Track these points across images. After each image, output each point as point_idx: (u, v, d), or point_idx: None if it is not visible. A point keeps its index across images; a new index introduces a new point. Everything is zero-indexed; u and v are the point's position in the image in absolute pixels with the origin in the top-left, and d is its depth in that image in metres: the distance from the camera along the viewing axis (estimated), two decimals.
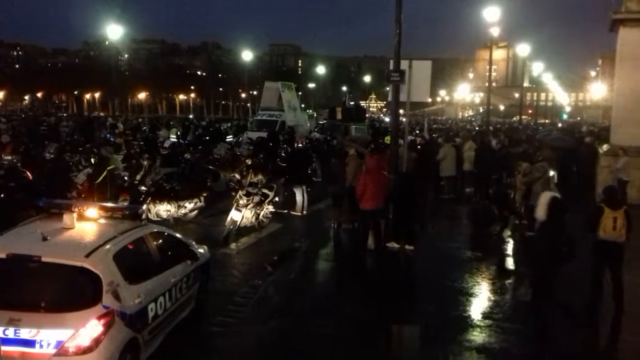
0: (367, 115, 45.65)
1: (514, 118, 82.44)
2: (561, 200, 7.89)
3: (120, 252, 5.73)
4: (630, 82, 16.66)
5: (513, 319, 7.79)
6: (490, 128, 32.62)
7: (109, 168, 11.80)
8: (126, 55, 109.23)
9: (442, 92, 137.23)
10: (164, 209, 12.33)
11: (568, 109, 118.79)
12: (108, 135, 25.20)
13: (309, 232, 12.68)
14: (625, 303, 7.85)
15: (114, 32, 38.09)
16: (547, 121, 66.67)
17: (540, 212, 7.71)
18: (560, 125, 62.12)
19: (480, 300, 8.51)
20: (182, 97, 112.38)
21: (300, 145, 19.82)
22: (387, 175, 11.12)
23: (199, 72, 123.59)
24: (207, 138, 25.81)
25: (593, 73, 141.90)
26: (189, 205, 12.80)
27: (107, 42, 65.50)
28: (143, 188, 12.81)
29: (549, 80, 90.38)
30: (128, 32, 57.15)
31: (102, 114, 75.34)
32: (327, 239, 12.35)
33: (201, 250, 7.71)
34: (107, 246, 5.67)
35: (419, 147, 19.36)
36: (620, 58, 17.10)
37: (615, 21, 16.99)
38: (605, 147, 17.95)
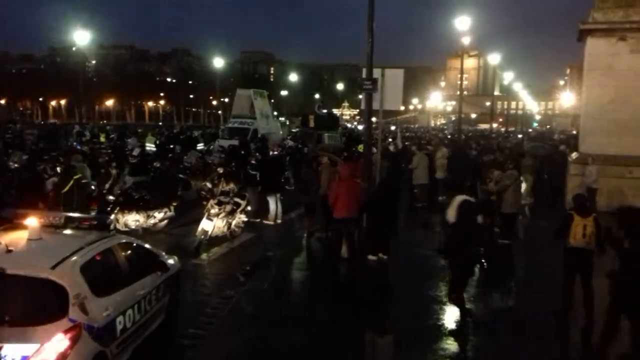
0: (340, 123, 45.78)
1: (479, 126, 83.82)
2: (472, 202, 7.99)
3: (88, 263, 5.56)
4: (597, 91, 17.00)
5: (485, 326, 7.81)
6: (463, 136, 33.04)
7: (75, 177, 11.49)
8: (94, 62, 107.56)
9: (415, 100, 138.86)
10: (133, 219, 12.06)
11: (538, 117, 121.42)
12: (75, 143, 24.65)
13: (282, 241, 12.56)
14: (595, 310, 7.93)
15: (82, 37, 37.46)
16: (512, 129, 68.04)
17: (451, 215, 7.73)
18: (530, 131, 63.48)
19: (454, 308, 8.50)
20: (151, 104, 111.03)
21: (274, 152, 19.68)
22: (361, 183, 11.11)
23: (168, 79, 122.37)
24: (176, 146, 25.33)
25: (562, 82, 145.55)
26: (159, 215, 12.55)
27: (74, 48, 64.39)
28: (111, 198, 12.50)
29: (519, 89, 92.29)
30: (96, 38, 56.36)
31: (61, 120, 73.80)
32: (300, 248, 12.24)
33: (171, 261, 7.54)
34: (74, 258, 5.49)
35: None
36: (588, 68, 17.46)
37: (583, 31, 17.35)
38: (574, 155, 18.29)
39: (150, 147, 24.17)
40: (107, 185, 13.66)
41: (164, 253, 7.66)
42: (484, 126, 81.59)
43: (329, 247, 11.40)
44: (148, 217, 12.31)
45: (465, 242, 7.62)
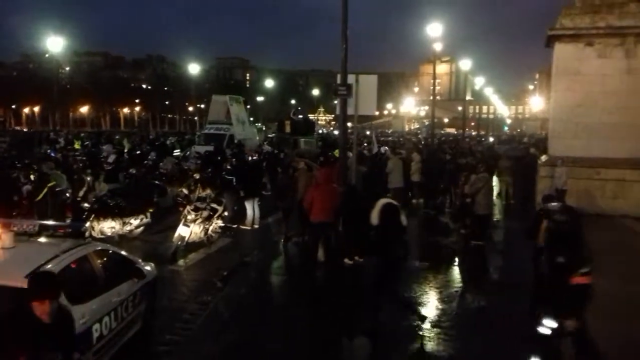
0: (316, 129, 45.96)
1: (444, 130, 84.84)
2: (394, 205, 8.19)
3: (63, 271, 5.51)
4: (565, 95, 17.43)
5: (459, 326, 7.97)
6: (436, 140, 33.46)
7: (49, 185, 11.40)
8: (67, 68, 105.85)
9: (389, 105, 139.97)
10: (108, 226, 11.98)
11: (509, 121, 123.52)
12: (49, 151, 24.32)
13: (259, 246, 12.60)
14: None
15: (55, 44, 36.90)
16: (482, 132, 69.33)
17: (374, 217, 7.92)
18: (502, 135, 64.50)
19: (429, 309, 8.66)
20: (126, 110, 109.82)
21: (251, 158, 19.73)
22: (337, 188, 11.21)
23: (144, 85, 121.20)
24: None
25: (531, 87, 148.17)
26: (135, 222, 12.48)
27: (47, 55, 63.39)
28: (86, 205, 12.41)
29: (490, 94, 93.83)
30: (70, 45, 55.46)
31: (34, 128, 72.50)
32: (277, 253, 12.29)
33: (148, 268, 7.52)
34: (49, 266, 5.45)
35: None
36: (556, 72, 17.87)
37: (551, 37, 17.76)
38: (543, 157, 18.70)
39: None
40: (81, 193, 13.56)
41: (140, 260, 7.64)
42: (449, 130, 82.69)
43: (306, 252, 11.48)
44: (124, 224, 12.24)
45: (389, 244, 7.83)
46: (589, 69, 16.94)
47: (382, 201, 8.17)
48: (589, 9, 17.31)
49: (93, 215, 11.85)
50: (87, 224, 11.43)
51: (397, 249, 7.94)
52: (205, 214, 11.87)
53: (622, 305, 8.61)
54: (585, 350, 6.37)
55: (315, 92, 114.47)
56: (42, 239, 6.16)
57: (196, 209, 11.70)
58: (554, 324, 6.58)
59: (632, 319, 8.12)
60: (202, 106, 78.76)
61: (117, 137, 38.71)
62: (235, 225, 13.76)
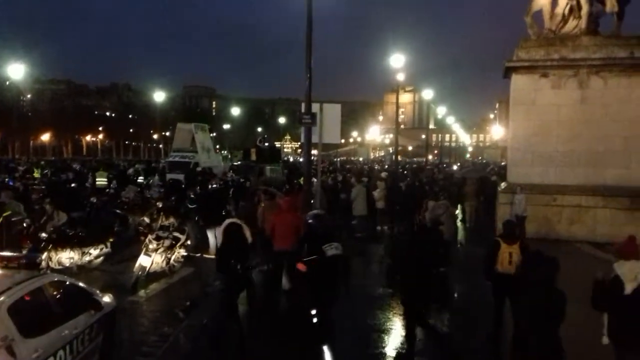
0: (282, 156, 46.10)
1: (415, 159, 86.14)
2: (238, 224, 8.71)
3: (16, 304, 5.37)
4: (523, 124, 17.99)
5: (422, 352, 8.01)
6: (400, 168, 33.93)
7: (4, 214, 11.09)
8: (29, 96, 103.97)
9: (355, 134, 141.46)
10: (67, 257, 11.67)
11: (470, 149, 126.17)
12: (7, 179, 23.65)
13: (223, 276, 12.42)
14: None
15: (16, 71, 36.31)
16: (446, 160, 70.87)
17: (219, 236, 8.65)
18: (464, 162, 65.73)
19: (393, 336, 8.69)
20: (89, 138, 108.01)
21: (214, 186, 19.59)
22: (300, 215, 11.22)
23: (108, 113, 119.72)
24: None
25: (492, 116, 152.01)
26: (94, 252, 12.21)
27: (7, 82, 62.26)
28: (44, 235, 12.08)
29: (452, 122, 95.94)
30: (32, 72, 54.65)
31: None
32: None
33: (106, 299, 7.36)
34: (1, 298, 5.30)
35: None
36: (514, 102, 18.46)
37: (508, 68, 18.40)
38: (503, 184, 19.16)
39: (101, 181, 23.59)
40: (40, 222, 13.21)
41: (98, 291, 7.47)
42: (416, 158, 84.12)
43: (269, 280, 11.39)
44: (83, 254, 11.96)
45: (235, 261, 8.21)
46: (545, 99, 17.55)
47: (227, 221, 8.78)
48: (543, 42, 18.04)
49: (51, 246, 11.54)
50: (44, 255, 11.13)
51: (239, 265, 8.26)
52: (167, 243, 11.71)
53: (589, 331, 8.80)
54: None
55: (282, 120, 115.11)
56: None
57: (158, 238, 11.54)
58: None
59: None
60: (168, 134, 78.08)
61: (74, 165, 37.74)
62: (198, 254, 13.59)
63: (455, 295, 11.24)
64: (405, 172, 32.33)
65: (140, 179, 26.66)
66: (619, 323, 5.84)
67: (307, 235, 10.59)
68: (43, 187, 19.53)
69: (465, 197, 20.39)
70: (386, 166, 49.20)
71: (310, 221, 10.32)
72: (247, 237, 8.64)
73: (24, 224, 12.73)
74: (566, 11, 18.13)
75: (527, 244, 8.40)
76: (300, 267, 7.54)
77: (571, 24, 18.10)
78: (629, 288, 5.74)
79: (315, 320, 7.37)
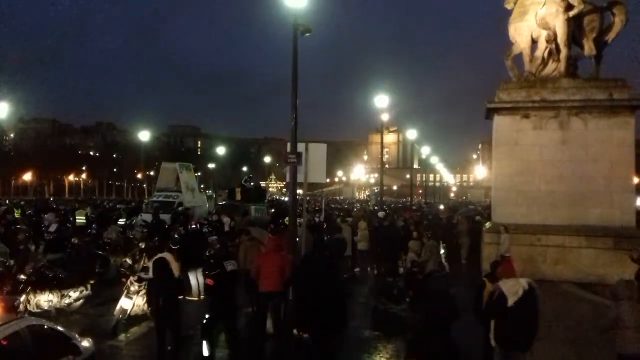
0: (267, 196, 46.00)
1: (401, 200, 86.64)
2: (166, 259, 9.10)
3: None
4: (506, 165, 18.13)
5: None
6: (385, 208, 33.97)
7: None
8: (12, 135, 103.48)
9: (340, 173, 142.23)
10: (46, 300, 11.37)
11: (455, 189, 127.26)
12: None
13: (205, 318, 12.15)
14: None
15: None
16: (429, 201, 71.59)
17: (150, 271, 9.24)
18: (451, 204, 65.98)
19: None
20: (72, 178, 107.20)
21: (193, 227, 19.40)
22: (286, 256, 11.09)
23: (92, 153, 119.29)
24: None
25: (475, 156, 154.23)
26: (74, 295, 11.91)
27: None
28: (22, 277, 11.77)
29: (437, 163, 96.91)
30: (16, 111, 54.46)
31: None
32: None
33: (85, 344, 7.14)
34: None
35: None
36: (496, 143, 18.65)
37: (491, 110, 18.66)
38: (488, 224, 19.21)
39: (80, 220, 23.34)
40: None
41: (77, 335, 7.26)
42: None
43: (254, 323, 11.16)
44: (62, 296, 11.65)
45: (164, 295, 8.77)
46: (527, 140, 17.77)
47: (157, 256, 9.27)
48: (524, 84, 18.40)
49: (29, 288, 11.24)
50: (23, 298, 10.83)
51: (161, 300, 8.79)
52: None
53: None
54: None
55: (267, 159, 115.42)
56: None
57: (140, 280, 11.29)
58: None
59: None
60: (152, 173, 77.77)
61: (56, 206, 37.27)
62: (181, 297, 13.28)
63: None
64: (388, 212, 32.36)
65: (122, 221, 26.14)
66: (503, 329, 7.32)
67: (297, 276, 10.50)
68: (24, 227, 19.19)
69: (460, 235, 20.95)
70: (371, 206, 49.30)
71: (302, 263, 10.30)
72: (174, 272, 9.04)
73: (7, 265, 12.44)
74: (546, 54, 18.58)
75: None
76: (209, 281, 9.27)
77: (551, 66, 18.53)
78: (511, 301, 7.14)
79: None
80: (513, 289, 7.20)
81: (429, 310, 7.09)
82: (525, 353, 7.33)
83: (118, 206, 41.69)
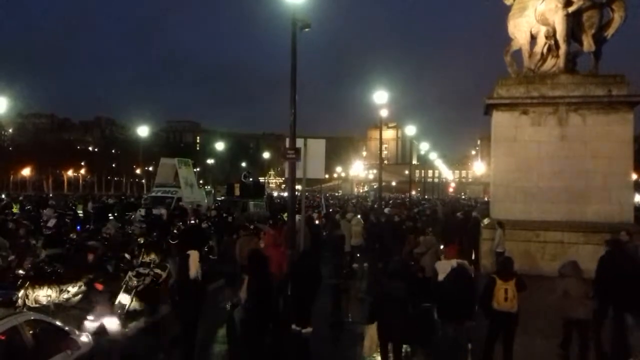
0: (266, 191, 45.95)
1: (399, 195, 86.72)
2: (186, 257, 8.94)
3: None
4: (504, 161, 18.18)
5: None
6: (383, 204, 33.98)
7: None
8: (10, 130, 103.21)
9: (339, 169, 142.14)
10: (44, 294, 11.31)
11: (453, 184, 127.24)
12: None
13: (204, 313, 12.16)
14: None
15: None
16: (427, 197, 71.85)
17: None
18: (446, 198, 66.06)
19: None
20: (70, 173, 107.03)
21: (193, 222, 19.38)
22: (285, 251, 11.12)
23: (90, 148, 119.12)
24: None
25: (473, 152, 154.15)
26: (72, 290, 11.85)
27: None
28: (21, 272, 11.76)
29: (435, 158, 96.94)
30: (14, 106, 54.33)
31: None
32: (222, 320, 11.89)
33: (84, 339, 7.15)
34: None
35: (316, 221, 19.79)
36: (495, 139, 18.69)
37: (489, 106, 18.68)
38: (486, 220, 19.23)
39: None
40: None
41: (76, 330, 7.27)
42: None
43: (252, 318, 11.15)
44: (61, 291, 11.60)
45: (179, 293, 8.97)
46: (525, 136, 17.80)
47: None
48: (523, 80, 18.42)
49: (28, 283, 11.22)
50: (21, 293, 10.82)
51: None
52: (148, 280, 11.46)
53: None
54: None
55: (266, 155, 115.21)
56: None
57: (138, 275, 11.30)
58: None
59: None
60: (151, 169, 77.68)
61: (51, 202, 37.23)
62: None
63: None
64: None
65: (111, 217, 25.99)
66: (439, 302, 8.62)
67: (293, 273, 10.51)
68: (24, 222, 19.17)
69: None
70: (369, 202, 49.31)
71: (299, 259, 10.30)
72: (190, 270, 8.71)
73: (9, 259, 12.46)
74: (544, 50, 18.59)
75: (524, 280, 8.37)
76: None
77: (549, 62, 18.54)
78: (441, 277, 8.49)
79: None
80: (443, 267, 8.57)
81: (383, 289, 8.15)
82: (461, 325, 8.40)
83: (110, 201, 41.49)
